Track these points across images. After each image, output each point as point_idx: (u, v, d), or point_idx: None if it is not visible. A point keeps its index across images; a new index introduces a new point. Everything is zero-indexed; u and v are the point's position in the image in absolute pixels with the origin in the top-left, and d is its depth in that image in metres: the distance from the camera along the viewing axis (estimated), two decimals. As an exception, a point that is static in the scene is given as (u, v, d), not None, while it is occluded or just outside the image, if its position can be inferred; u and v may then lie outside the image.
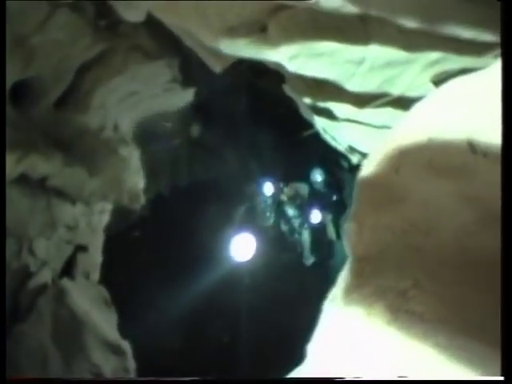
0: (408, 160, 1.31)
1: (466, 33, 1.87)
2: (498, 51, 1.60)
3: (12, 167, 3.01)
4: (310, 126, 4.12)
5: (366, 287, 1.33)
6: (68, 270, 4.43)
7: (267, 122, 5.97)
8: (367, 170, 1.35)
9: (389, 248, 1.32)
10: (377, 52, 2.25)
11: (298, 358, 1.66)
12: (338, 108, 2.91)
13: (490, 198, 1.25)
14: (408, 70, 2.30)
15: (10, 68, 3.25)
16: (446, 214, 1.28)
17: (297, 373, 1.87)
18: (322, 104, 3.07)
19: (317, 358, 1.45)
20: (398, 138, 1.31)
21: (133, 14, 2.46)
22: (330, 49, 2.21)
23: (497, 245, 1.22)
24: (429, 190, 1.30)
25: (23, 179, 3.13)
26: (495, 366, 1.13)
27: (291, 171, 6.24)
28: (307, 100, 3.14)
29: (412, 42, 2.14)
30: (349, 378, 1.37)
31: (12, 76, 3.31)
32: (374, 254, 1.33)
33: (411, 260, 1.30)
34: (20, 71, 3.33)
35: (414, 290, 1.29)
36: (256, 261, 6.08)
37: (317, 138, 4.29)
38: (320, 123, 3.77)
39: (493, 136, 1.24)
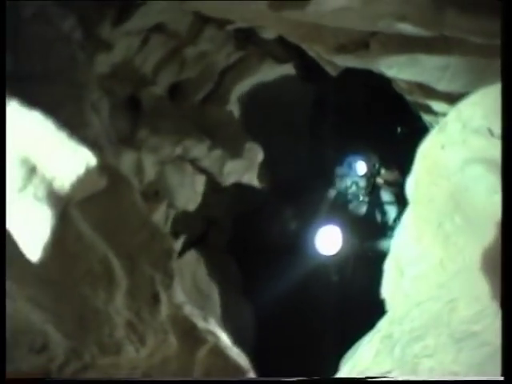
0: (450, 140, 2.12)
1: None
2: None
3: (171, 150, 4.20)
4: (418, 120, 4.87)
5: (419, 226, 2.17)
6: (201, 240, 5.63)
7: (377, 115, 5.99)
8: (423, 147, 2.18)
9: (436, 199, 2.14)
10: (458, 60, 3.02)
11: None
12: (435, 104, 3.68)
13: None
14: (486, 74, 3.03)
15: (168, 72, 4.47)
16: (476, 176, 2.06)
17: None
18: (421, 101, 3.85)
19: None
20: (444, 126, 2.13)
21: (267, 33, 3.47)
22: (420, 58, 3.03)
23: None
24: (464, 160, 2.09)
25: (178, 159, 4.33)
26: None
27: (392, 157, 5.72)
28: (409, 98, 3.94)
29: (486, 51, 2.89)
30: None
31: (170, 78, 4.52)
32: (426, 202, 2.16)
33: (452, 209, 2.11)
34: (176, 74, 4.52)
35: (452, 228, 2.11)
36: (346, 254, 5.53)
37: (424, 132, 4.97)
38: (425, 118, 4.54)
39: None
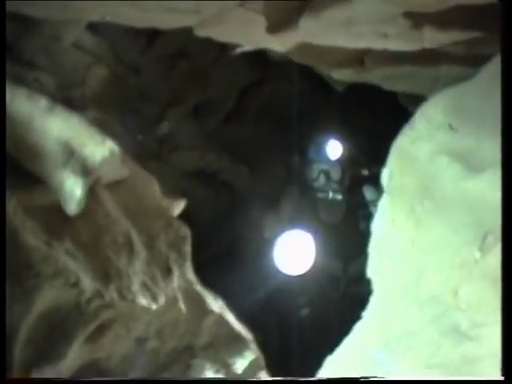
0: (418, 136, 2.59)
1: None
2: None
3: (195, 163, 4.82)
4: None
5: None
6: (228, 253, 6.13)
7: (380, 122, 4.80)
8: (397, 143, 2.65)
9: (408, 186, 2.59)
10: (447, 71, 3.50)
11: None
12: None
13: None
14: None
15: (192, 92, 5.11)
16: (442, 166, 2.50)
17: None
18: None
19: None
20: (412, 124, 2.62)
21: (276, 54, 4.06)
22: (412, 71, 3.53)
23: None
24: (431, 152, 2.55)
25: (201, 173, 4.93)
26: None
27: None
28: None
29: (470, 61, 3.35)
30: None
31: (194, 97, 5.17)
32: (399, 189, 2.61)
33: (422, 195, 2.55)
34: (199, 94, 5.16)
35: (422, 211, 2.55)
36: (317, 275, 4.18)
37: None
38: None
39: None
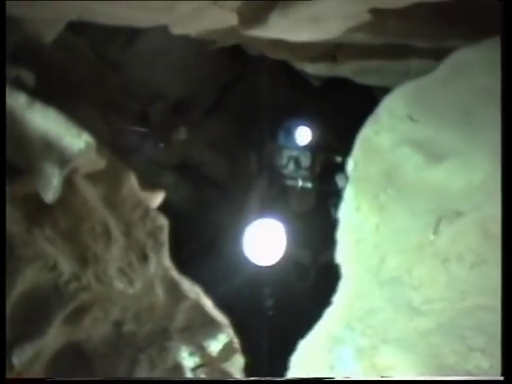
0: (381, 127, 2.76)
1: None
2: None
3: (177, 157, 4.98)
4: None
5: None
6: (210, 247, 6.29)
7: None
8: (361, 134, 2.83)
9: (372, 175, 2.76)
10: (417, 64, 3.68)
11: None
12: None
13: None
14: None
15: (171, 89, 5.26)
16: (405, 156, 2.68)
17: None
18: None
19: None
20: (376, 116, 2.79)
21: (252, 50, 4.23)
22: (382, 65, 3.71)
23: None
24: (394, 143, 2.72)
25: (184, 166, 5.10)
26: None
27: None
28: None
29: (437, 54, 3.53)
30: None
31: (175, 95, 5.33)
32: (363, 178, 2.78)
33: (386, 183, 2.72)
34: (181, 91, 5.32)
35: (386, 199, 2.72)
36: (288, 264, 4.25)
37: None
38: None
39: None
